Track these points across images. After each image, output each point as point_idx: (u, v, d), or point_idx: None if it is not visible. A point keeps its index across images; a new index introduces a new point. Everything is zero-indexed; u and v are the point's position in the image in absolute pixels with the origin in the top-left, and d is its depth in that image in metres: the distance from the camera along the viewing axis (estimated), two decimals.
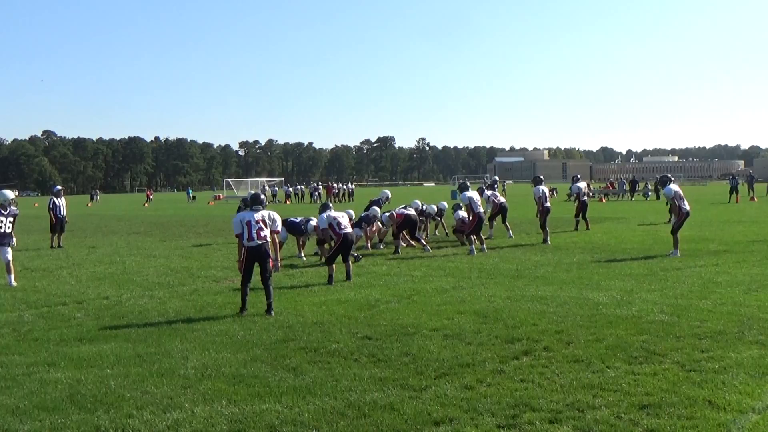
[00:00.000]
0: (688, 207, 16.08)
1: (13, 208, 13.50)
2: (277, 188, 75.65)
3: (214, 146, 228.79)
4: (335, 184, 73.12)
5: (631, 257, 15.31)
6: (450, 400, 5.92)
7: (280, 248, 11.29)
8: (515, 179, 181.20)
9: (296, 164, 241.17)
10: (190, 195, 79.03)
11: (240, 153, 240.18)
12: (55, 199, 21.80)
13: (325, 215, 13.15)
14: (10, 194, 13.67)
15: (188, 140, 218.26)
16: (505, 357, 7.21)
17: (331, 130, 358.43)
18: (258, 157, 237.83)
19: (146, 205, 61.46)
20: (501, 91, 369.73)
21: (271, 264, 10.09)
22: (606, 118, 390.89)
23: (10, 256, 13.21)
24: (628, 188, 56.72)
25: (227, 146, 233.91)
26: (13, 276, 13.16)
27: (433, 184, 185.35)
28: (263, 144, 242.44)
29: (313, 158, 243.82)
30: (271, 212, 10.34)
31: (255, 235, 9.87)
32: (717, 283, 11.48)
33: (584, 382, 6.30)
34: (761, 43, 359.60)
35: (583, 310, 9.53)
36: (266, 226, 10.03)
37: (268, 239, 10.03)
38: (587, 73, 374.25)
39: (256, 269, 10.01)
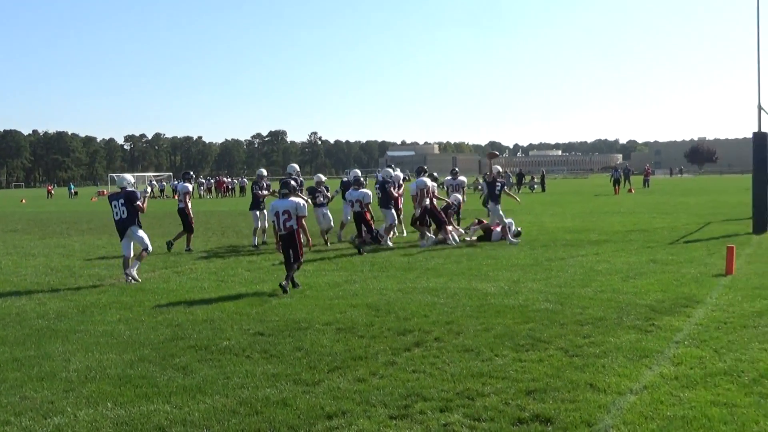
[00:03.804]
0: (428, 202, 16.99)
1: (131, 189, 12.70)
2: (164, 183, 73.50)
3: (98, 140, 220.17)
4: (226, 179, 71.93)
5: (518, 248, 15.78)
6: (343, 393, 5.94)
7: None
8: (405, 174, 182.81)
9: (185, 158, 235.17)
10: (72, 191, 76.02)
11: (125, 147, 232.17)
12: None
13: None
14: (131, 179, 13.07)
15: (69, 134, 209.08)
16: (397, 349, 7.28)
17: (221, 124, 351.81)
18: (145, 152, 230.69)
19: (21, 201, 58.44)
20: (391, 86, 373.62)
21: (302, 252, 11.30)
22: (494, 113, 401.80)
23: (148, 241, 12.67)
24: (514, 181, 58.50)
25: (111, 140, 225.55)
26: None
27: (324, 178, 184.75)
28: (150, 138, 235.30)
29: (202, 152, 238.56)
30: (297, 200, 11.31)
31: (282, 226, 11.04)
32: (597, 272, 12.00)
33: (474, 370, 6.45)
34: (639, 44, 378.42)
35: (473, 300, 9.75)
36: (291, 217, 11.04)
37: (295, 227, 11.05)
38: (475, 69, 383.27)
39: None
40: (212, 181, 71.36)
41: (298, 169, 18.83)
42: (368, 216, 16.16)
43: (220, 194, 65.41)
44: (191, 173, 19.23)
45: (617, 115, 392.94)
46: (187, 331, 8.38)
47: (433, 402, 5.64)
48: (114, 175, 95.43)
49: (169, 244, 17.09)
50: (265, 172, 19.43)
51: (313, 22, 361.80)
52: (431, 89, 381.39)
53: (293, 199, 11.29)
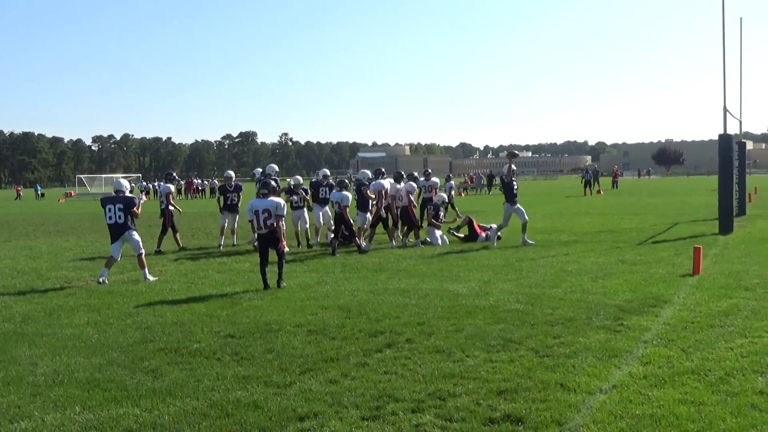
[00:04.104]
0: (384, 203, 17.11)
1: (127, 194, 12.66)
2: (133, 185, 72.73)
3: (65, 141, 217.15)
4: (196, 180, 71.44)
5: (489, 249, 15.85)
6: (314, 395, 5.92)
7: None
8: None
9: (154, 160, 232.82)
10: (38, 192, 75.01)
11: (93, 148, 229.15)
12: None
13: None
14: (127, 184, 13.01)
15: (36, 134, 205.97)
16: (368, 350, 7.28)
17: (191, 125, 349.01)
18: (113, 153, 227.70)
19: None
20: (362, 87, 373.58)
21: (283, 246, 11.55)
22: (464, 115, 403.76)
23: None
24: (485, 182, 58.84)
25: (79, 141, 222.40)
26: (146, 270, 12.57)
27: (302, 180, 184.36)
28: (119, 138, 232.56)
29: (172, 153, 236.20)
30: (278, 200, 11.52)
31: (262, 224, 11.23)
32: (567, 272, 12.10)
33: (445, 371, 6.47)
34: (607, 47, 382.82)
35: (444, 301, 9.78)
36: (271, 215, 11.23)
37: (275, 226, 11.27)
38: (446, 71, 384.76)
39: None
40: (182, 182, 70.82)
41: (277, 169, 18.72)
42: (347, 217, 16.16)
43: (189, 196, 64.95)
44: (173, 174, 19.49)
45: (586, 117, 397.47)
46: (157, 333, 8.30)
47: (405, 403, 5.65)
48: (81, 176, 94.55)
49: (180, 248, 17.54)
50: (233, 173, 19.33)
51: (283, 24, 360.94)
52: (402, 91, 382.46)
53: (273, 198, 11.43)
